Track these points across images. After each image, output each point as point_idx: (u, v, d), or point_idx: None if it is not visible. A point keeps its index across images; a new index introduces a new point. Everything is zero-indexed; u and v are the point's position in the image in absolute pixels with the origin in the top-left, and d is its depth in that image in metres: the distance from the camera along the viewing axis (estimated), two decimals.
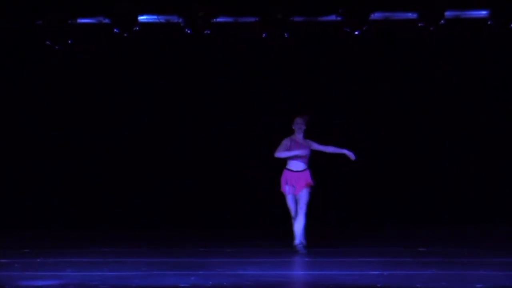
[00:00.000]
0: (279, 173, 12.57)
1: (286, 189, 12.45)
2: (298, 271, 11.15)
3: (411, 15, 13.80)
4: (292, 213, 12.47)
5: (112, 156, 15.85)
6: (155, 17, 14.05)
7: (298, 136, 12.53)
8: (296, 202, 12.44)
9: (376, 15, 13.79)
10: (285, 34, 13.77)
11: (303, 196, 12.39)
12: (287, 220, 12.55)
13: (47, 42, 13.76)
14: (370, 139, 15.70)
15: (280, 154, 12.50)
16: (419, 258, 11.71)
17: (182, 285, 9.52)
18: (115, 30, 13.60)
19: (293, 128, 12.55)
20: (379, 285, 9.46)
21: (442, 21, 13.49)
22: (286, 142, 12.52)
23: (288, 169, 12.51)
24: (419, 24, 13.59)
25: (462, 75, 15.56)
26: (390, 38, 15.14)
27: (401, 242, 13.42)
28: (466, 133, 15.67)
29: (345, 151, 12.53)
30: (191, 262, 11.47)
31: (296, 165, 12.49)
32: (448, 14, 13.60)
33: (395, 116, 15.77)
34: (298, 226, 12.37)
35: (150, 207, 15.77)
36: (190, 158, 15.90)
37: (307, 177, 12.44)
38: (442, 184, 15.71)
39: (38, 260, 11.63)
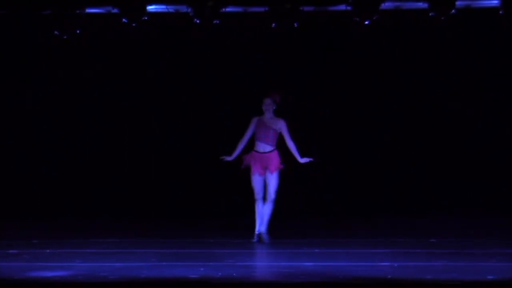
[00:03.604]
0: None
1: (254, 168, 12.24)
2: (308, 262, 11.08)
3: (421, 5, 13.72)
4: (257, 195, 12.27)
5: (115, 147, 15.87)
6: (164, 6, 14.01)
7: (267, 116, 12.39)
8: (264, 184, 12.28)
9: (386, 5, 13.72)
10: (295, 24, 13.71)
11: (273, 180, 12.23)
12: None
13: (55, 32, 13.72)
14: (380, 128, 15.66)
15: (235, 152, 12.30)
16: (430, 249, 11.66)
17: (192, 276, 9.48)
18: (123, 20, 13.56)
19: (262, 108, 12.40)
20: (389, 277, 9.41)
21: (453, 11, 13.41)
22: (254, 121, 12.38)
23: (256, 151, 12.34)
24: (430, 14, 13.51)
25: (473, 66, 15.47)
26: (401, 28, 15.07)
27: (411, 233, 13.36)
28: (476, 123, 15.60)
29: (300, 159, 12.22)
30: (201, 253, 11.44)
31: (263, 147, 12.32)
32: (459, 3, 13.52)
33: (404, 106, 15.72)
34: (266, 213, 12.26)
35: (159, 198, 15.78)
36: (195, 149, 15.91)
37: (276, 158, 12.25)
38: (451, 175, 15.65)
39: (47, 251, 11.62)
